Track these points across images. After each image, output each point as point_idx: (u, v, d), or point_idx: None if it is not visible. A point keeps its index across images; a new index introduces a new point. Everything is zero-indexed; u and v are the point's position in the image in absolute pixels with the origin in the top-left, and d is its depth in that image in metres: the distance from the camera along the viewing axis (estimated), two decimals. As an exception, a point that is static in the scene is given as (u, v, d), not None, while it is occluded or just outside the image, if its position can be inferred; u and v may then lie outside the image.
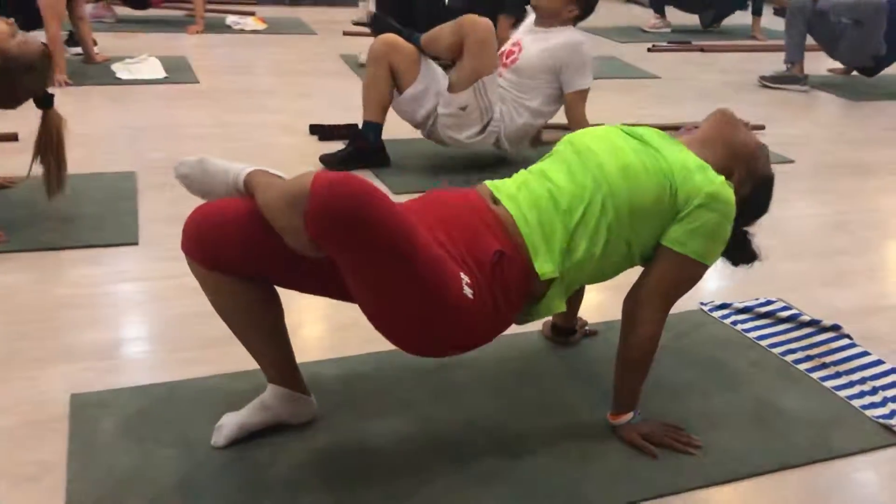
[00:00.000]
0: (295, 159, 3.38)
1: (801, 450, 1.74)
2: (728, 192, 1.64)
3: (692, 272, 1.67)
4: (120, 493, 1.51)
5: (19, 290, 2.22)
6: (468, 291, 1.48)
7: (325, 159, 3.26)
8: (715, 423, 1.81)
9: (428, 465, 1.62)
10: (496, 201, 1.65)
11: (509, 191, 1.66)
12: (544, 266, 1.58)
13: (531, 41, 3.23)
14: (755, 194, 1.79)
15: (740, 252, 1.85)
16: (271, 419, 1.66)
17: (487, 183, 1.72)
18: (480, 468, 1.62)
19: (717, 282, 2.59)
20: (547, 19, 3.24)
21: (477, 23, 3.05)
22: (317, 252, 1.41)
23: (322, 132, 3.68)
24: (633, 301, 1.67)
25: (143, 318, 2.16)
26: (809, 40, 5.14)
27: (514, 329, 1.73)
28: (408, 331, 1.50)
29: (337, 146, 3.47)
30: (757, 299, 2.39)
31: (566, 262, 1.61)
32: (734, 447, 1.73)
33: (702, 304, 2.35)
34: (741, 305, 2.32)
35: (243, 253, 1.53)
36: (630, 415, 1.71)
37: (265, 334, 1.63)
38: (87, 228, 2.60)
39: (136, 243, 2.53)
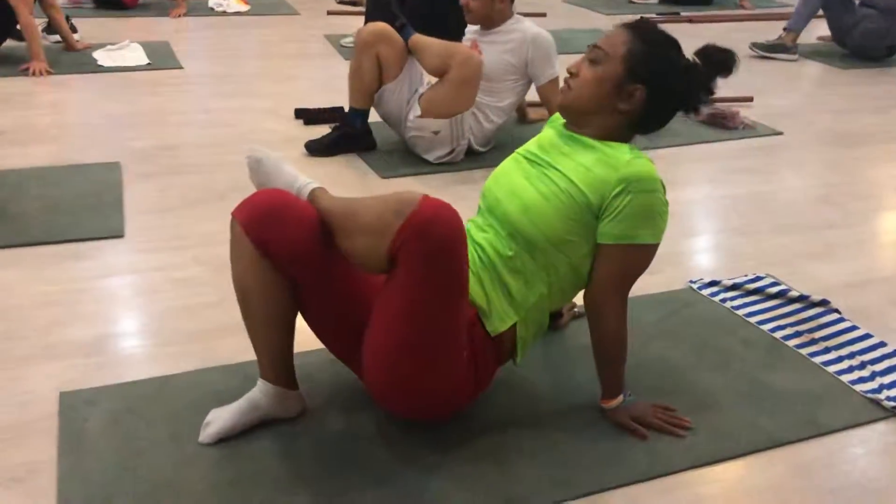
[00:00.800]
0: (281, 145, 3.35)
1: (790, 427, 1.75)
2: (638, 166, 1.60)
3: (638, 256, 1.64)
4: (110, 491, 1.50)
5: (3, 287, 2.20)
6: (464, 352, 1.57)
7: (310, 146, 3.24)
8: (705, 403, 1.81)
9: (417, 454, 1.62)
10: None
11: None
12: (494, 324, 1.63)
13: (487, 45, 3.17)
14: (647, 72, 1.62)
15: (713, 68, 1.68)
16: (261, 418, 1.66)
17: None
18: (470, 453, 1.63)
19: (706, 258, 2.58)
20: (487, 25, 3.19)
21: (469, 60, 2.98)
22: (378, 264, 1.46)
23: (307, 116, 3.64)
24: (590, 297, 1.67)
25: (129, 312, 2.14)
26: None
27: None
28: (404, 371, 1.52)
29: (322, 130, 3.45)
30: (746, 275, 2.38)
31: (520, 311, 1.64)
32: (724, 426, 1.74)
33: (691, 282, 2.35)
34: (730, 282, 2.32)
35: (297, 253, 1.54)
36: (620, 398, 1.71)
37: (278, 328, 1.62)
38: (71, 222, 2.57)
39: (121, 236, 2.51)
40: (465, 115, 3.09)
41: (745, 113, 3.94)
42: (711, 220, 2.88)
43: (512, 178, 1.70)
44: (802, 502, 1.56)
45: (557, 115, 1.79)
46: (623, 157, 1.61)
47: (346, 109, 3.32)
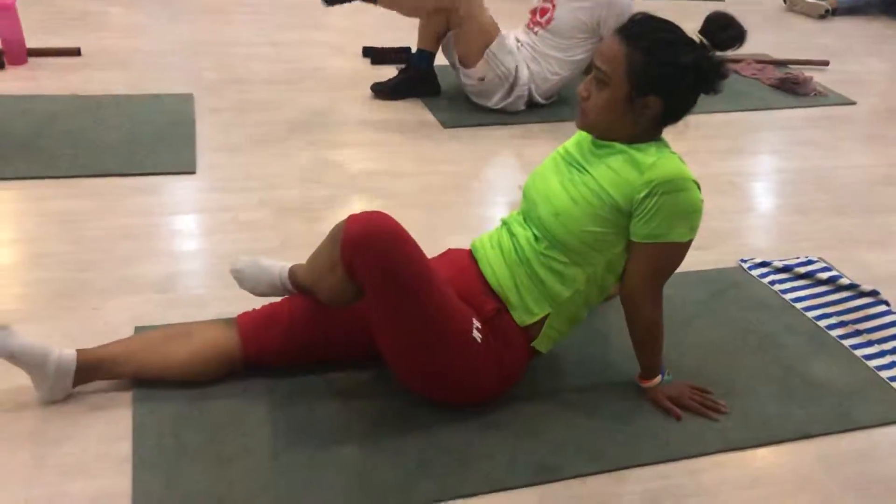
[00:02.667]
0: (346, 84, 3.40)
1: (822, 419, 1.80)
2: (663, 167, 1.60)
3: (670, 253, 1.67)
4: (179, 424, 1.64)
5: (84, 217, 2.34)
6: (477, 335, 1.63)
7: (376, 88, 3.28)
8: (741, 387, 1.87)
9: (461, 416, 1.71)
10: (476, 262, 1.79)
11: (486, 253, 1.76)
12: (522, 316, 1.71)
13: None
14: (654, 83, 1.58)
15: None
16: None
17: (473, 243, 1.83)
18: (511, 419, 1.72)
19: (759, 235, 2.59)
20: None
21: None
22: (349, 294, 1.60)
23: (374, 55, 3.68)
24: (625, 292, 1.71)
25: (199, 251, 2.26)
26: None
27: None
28: (422, 368, 1.64)
29: (389, 70, 3.48)
30: (798, 258, 2.40)
31: (553, 305, 1.71)
32: (757, 413, 1.80)
33: (742, 260, 2.37)
34: (781, 264, 2.34)
35: (285, 346, 1.76)
36: (658, 379, 1.78)
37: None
38: (147, 155, 2.69)
39: (193, 172, 2.62)
40: (496, 52, 3.08)
41: (819, 78, 3.85)
42: (769, 194, 2.87)
43: (548, 181, 1.73)
44: (826, 494, 1.62)
45: None
46: (648, 160, 1.62)
47: (413, 50, 3.35)
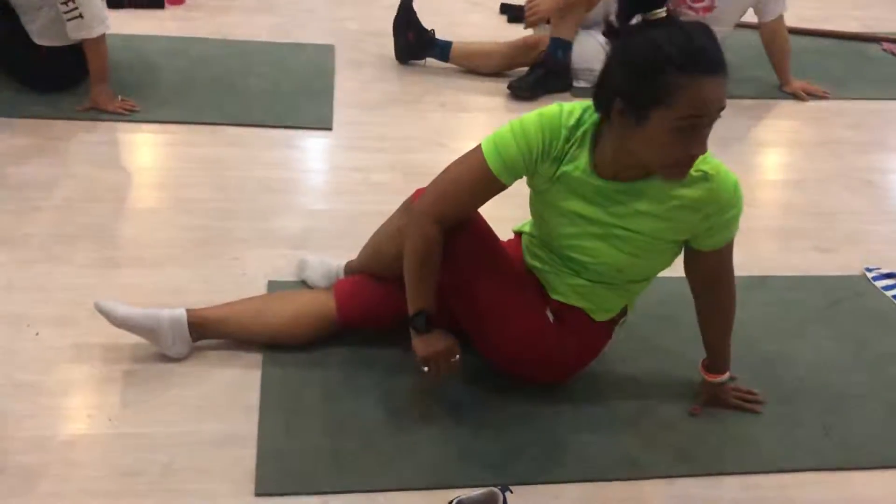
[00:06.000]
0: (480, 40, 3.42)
1: (927, 449, 1.77)
2: (716, 194, 1.55)
3: (731, 244, 1.67)
4: (301, 383, 1.79)
5: (229, 166, 2.51)
6: (550, 316, 1.72)
7: (512, 86, 3.14)
8: (846, 405, 1.85)
9: (557, 400, 1.79)
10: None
11: (544, 272, 1.76)
12: (602, 316, 1.75)
13: None
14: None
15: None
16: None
17: (526, 261, 1.81)
18: (607, 412, 1.78)
19: (890, 244, 2.47)
20: None
21: None
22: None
23: (511, 13, 3.67)
24: (702, 285, 1.71)
25: (330, 210, 2.40)
26: None
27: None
28: (504, 339, 1.72)
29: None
30: (929, 272, 2.31)
31: (629, 299, 1.76)
32: (859, 435, 1.78)
33: (867, 269, 2.30)
34: (909, 278, 2.27)
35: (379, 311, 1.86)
36: (727, 375, 1.80)
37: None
38: (287, 107, 2.83)
39: (330, 128, 2.75)
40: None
41: None
42: (911, 197, 2.74)
43: (597, 245, 1.64)
44: (919, 528, 1.62)
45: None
46: (692, 194, 1.55)
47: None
